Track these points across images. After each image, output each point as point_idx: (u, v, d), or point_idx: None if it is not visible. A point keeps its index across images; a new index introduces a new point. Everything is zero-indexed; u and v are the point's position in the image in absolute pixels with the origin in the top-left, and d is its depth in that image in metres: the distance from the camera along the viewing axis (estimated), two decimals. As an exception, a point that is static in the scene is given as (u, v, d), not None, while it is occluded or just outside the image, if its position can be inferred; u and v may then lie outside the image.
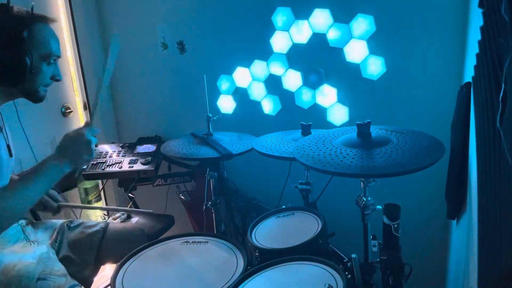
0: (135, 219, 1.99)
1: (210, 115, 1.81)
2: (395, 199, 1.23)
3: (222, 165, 1.98)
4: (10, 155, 1.30)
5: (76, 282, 1.30)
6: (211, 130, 1.83)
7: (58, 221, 1.54)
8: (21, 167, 1.94)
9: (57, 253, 1.42)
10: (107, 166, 2.02)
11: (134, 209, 2.02)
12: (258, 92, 2.05)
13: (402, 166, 1.06)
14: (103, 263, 1.52)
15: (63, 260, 1.40)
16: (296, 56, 1.90)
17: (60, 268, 1.31)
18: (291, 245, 1.25)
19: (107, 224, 1.58)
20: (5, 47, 1.11)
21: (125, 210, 1.89)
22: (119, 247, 1.47)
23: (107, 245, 1.51)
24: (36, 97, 1.25)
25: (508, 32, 0.60)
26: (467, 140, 1.23)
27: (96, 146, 1.24)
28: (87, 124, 1.27)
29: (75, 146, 1.19)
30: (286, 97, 1.98)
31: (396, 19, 1.67)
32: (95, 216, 2.16)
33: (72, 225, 1.54)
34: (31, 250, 1.31)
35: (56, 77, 1.27)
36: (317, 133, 1.42)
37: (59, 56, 1.26)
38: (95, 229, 1.53)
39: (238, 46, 2.03)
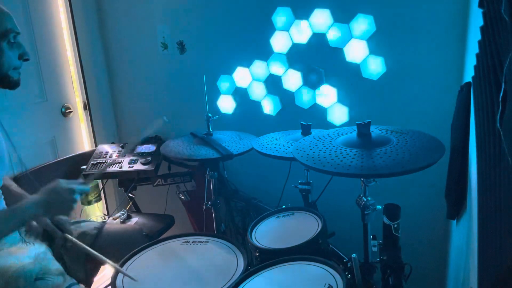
0: (135, 219, 1.99)
1: (209, 114, 1.81)
2: (395, 199, 1.23)
3: (222, 165, 1.98)
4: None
5: (75, 281, 1.29)
6: (211, 129, 1.82)
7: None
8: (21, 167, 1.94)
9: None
10: (107, 166, 2.02)
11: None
12: (258, 92, 2.05)
13: (402, 166, 1.06)
14: (102, 263, 1.52)
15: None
16: (296, 56, 1.90)
17: (57, 267, 1.31)
18: (291, 245, 1.25)
19: (102, 225, 1.57)
20: None
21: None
22: (117, 247, 1.45)
23: (103, 245, 1.50)
24: (9, 82, 1.20)
25: (508, 32, 0.60)
26: (467, 140, 1.23)
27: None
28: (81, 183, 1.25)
29: (59, 202, 1.17)
30: (286, 97, 1.98)
31: (396, 19, 1.67)
32: (95, 216, 2.16)
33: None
34: (27, 250, 1.31)
35: (24, 56, 1.23)
36: (317, 133, 1.42)
37: (18, 32, 1.21)
38: (87, 229, 1.51)
39: (238, 46, 2.03)
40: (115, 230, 1.59)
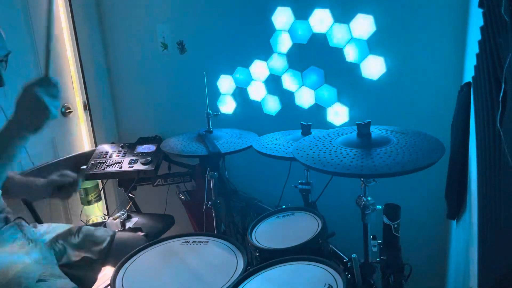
0: (135, 219, 1.99)
1: (210, 111, 1.81)
2: (395, 199, 1.23)
3: (223, 165, 1.98)
4: None
5: (76, 286, 1.29)
6: (211, 127, 1.83)
7: (62, 225, 1.53)
8: (21, 167, 1.94)
9: (60, 258, 1.40)
10: (107, 166, 2.02)
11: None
12: (258, 92, 2.05)
13: (402, 166, 1.06)
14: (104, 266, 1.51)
15: (64, 267, 1.38)
16: (296, 56, 1.90)
17: (59, 270, 1.31)
18: (291, 245, 1.25)
19: (114, 233, 1.56)
20: None
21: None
22: (124, 255, 1.44)
23: (112, 253, 1.50)
24: None
25: (508, 32, 0.60)
26: (467, 140, 1.24)
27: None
28: (40, 82, 1.04)
29: (31, 113, 1.03)
30: (286, 97, 1.98)
31: (396, 19, 1.67)
32: (95, 216, 2.16)
33: (78, 232, 1.51)
34: (29, 251, 1.31)
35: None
36: (317, 133, 1.42)
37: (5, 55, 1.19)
38: (102, 240, 1.51)
39: (238, 46, 2.03)
40: (122, 239, 1.58)
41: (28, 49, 2.03)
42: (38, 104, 1.02)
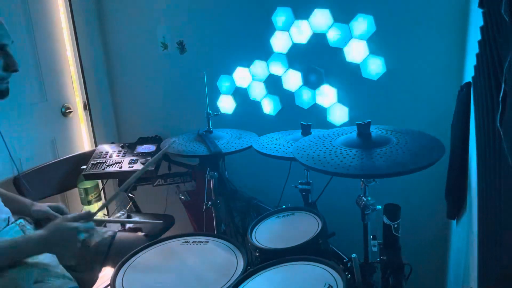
0: (135, 219, 1.99)
1: (210, 111, 1.81)
2: (395, 199, 1.23)
3: (223, 165, 1.98)
4: None
5: (75, 284, 1.28)
6: (211, 127, 1.83)
7: None
8: (21, 167, 1.94)
9: (61, 258, 1.40)
10: (107, 166, 2.02)
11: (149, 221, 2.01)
12: (258, 92, 2.05)
13: (402, 166, 1.06)
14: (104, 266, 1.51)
15: (64, 267, 1.38)
16: (296, 56, 1.90)
17: (58, 269, 1.30)
18: (291, 245, 1.25)
19: (115, 233, 1.56)
20: None
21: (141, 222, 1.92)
22: (124, 255, 1.44)
23: (112, 253, 1.50)
24: None
25: (508, 32, 0.60)
26: (467, 140, 1.24)
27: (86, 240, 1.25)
28: (85, 217, 1.21)
29: (62, 242, 1.15)
30: (286, 97, 1.98)
31: (396, 19, 1.67)
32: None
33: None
34: None
35: (12, 67, 1.17)
36: (317, 133, 1.42)
37: (4, 44, 1.16)
38: (102, 238, 1.51)
39: (238, 46, 2.03)
40: (123, 239, 1.58)
41: (28, 50, 2.03)
42: (75, 243, 1.15)
